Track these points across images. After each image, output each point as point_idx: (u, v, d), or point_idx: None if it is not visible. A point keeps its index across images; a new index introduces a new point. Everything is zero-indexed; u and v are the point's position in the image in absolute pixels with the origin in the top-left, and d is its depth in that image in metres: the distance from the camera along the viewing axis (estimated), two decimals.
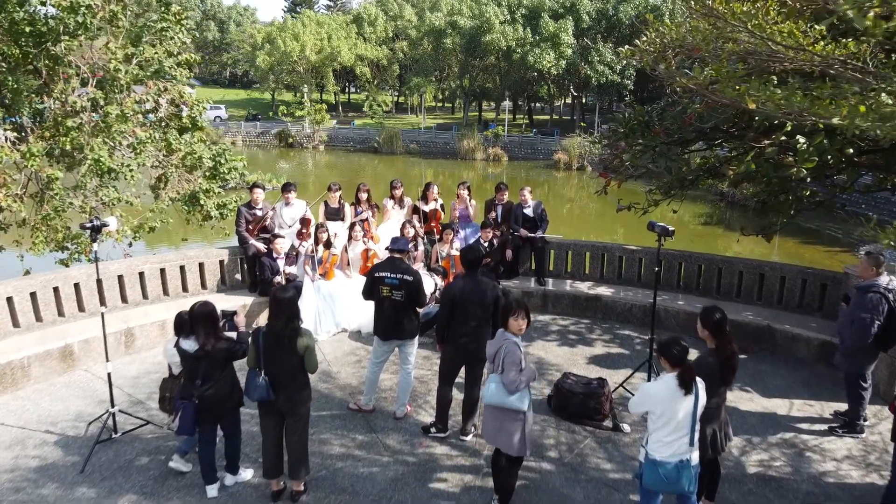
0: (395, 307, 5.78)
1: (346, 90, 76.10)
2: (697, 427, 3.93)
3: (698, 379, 3.93)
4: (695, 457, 3.98)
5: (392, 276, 5.75)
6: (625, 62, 43.47)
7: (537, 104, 66.84)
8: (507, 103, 55.98)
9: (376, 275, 5.83)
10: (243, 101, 73.01)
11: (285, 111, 54.25)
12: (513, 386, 4.26)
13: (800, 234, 21.96)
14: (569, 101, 61.96)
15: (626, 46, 7.11)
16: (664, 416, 3.88)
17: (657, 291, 6.57)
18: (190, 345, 4.62)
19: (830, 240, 23.08)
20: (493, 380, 4.41)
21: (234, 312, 5.19)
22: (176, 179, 10.07)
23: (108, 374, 5.66)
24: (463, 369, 5.64)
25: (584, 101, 56.08)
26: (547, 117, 64.90)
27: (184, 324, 4.79)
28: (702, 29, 4.88)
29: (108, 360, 5.67)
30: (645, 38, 6.57)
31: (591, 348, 7.92)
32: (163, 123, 10.05)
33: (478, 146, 47.32)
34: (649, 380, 6.43)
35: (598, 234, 24.84)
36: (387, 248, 6.25)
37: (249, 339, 4.68)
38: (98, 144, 8.66)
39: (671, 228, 5.96)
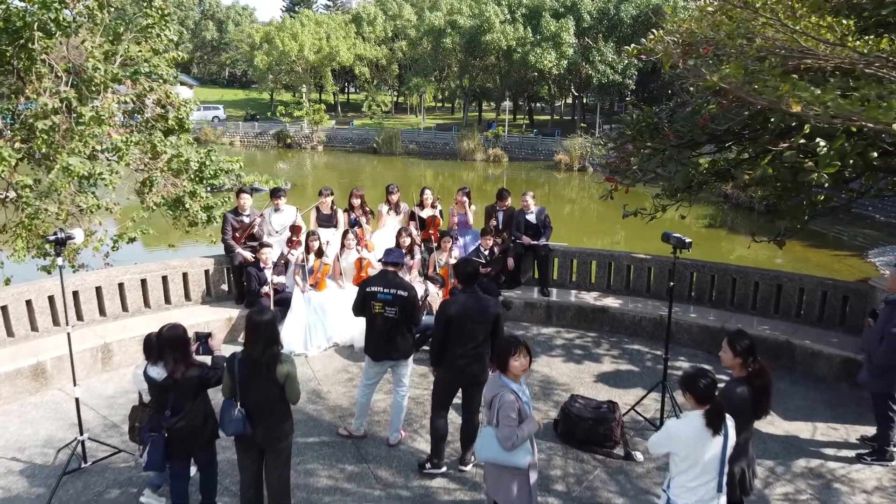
0: (387, 324, 5.33)
1: (345, 90, 75.49)
2: (726, 470, 3.48)
3: (727, 416, 3.48)
4: (723, 503, 3.53)
5: (385, 290, 5.31)
6: (626, 61, 43.06)
7: (538, 104, 66.30)
8: (507, 103, 55.48)
9: (368, 289, 5.38)
10: (242, 102, 72.46)
11: (284, 111, 53.62)
12: (508, 443, 3.74)
13: (806, 238, 21.47)
14: (569, 101, 61.42)
15: (632, 45, 6.68)
16: (689, 458, 3.42)
17: (671, 306, 6.07)
18: (158, 372, 4.16)
19: (836, 242, 22.62)
20: (487, 433, 3.91)
21: (209, 334, 4.74)
22: (162, 184, 9.60)
23: (77, 400, 5.21)
24: (460, 392, 5.18)
25: (584, 101, 55.58)
26: (547, 117, 64.38)
27: (153, 347, 4.34)
28: (725, 23, 4.44)
29: (75, 385, 5.21)
30: (652, 37, 6.14)
31: (598, 364, 7.46)
32: (148, 125, 9.60)
33: (478, 147, 46.81)
34: (663, 400, 5.97)
35: (599, 237, 24.37)
36: (380, 261, 5.81)
37: (225, 365, 4.22)
38: (78, 147, 8.20)
39: (688, 240, 5.50)
